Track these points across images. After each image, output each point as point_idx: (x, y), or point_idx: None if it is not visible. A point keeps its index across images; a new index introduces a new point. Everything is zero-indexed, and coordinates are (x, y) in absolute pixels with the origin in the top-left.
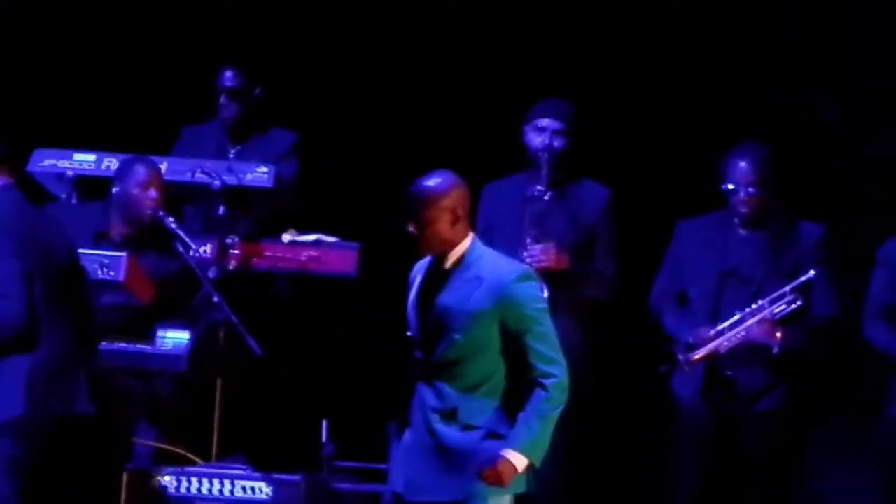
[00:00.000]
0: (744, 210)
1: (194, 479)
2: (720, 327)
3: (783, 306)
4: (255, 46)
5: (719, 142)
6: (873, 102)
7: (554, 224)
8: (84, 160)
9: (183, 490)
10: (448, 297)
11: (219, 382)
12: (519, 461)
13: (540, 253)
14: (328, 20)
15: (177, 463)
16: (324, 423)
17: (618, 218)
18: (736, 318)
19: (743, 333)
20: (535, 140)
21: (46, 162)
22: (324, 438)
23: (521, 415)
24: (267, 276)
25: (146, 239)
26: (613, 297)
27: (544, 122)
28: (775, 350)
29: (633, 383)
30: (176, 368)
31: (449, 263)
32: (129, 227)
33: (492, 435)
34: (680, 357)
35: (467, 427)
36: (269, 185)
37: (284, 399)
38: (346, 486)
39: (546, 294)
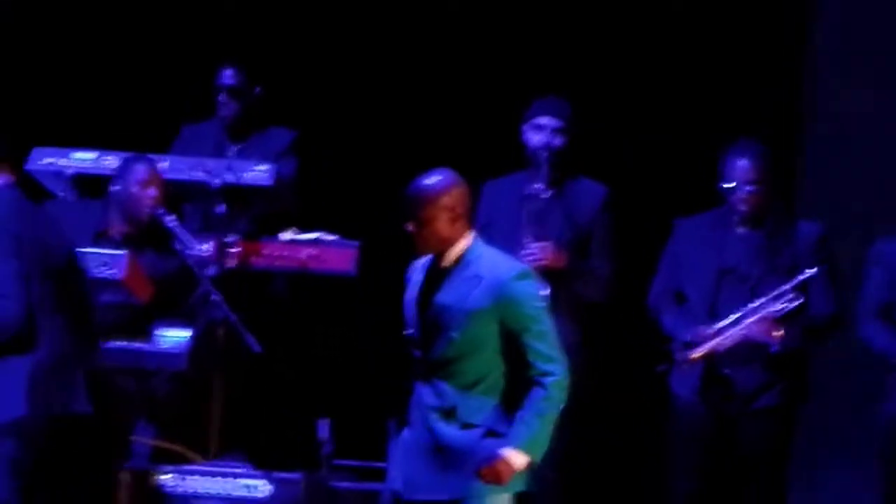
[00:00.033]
0: (742, 208)
1: (193, 478)
2: (719, 326)
3: (782, 305)
4: (255, 45)
5: (718, 140)
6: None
7: (552, 222)
8: (83, 158)
9: (182, 489)
10: (447, 296)
11: (218, 381)
12: (518, 459)
13: (538, 251)
14: (327, 19)
15: (176, 461)
16: (323, 421)
17: (615, 216)
18: (735, 316)
19: (742, 332)
20: (534, 138)
21: (45, 160)
22: (323, 437)
23: (520, 413)
24: (266, 274)
25: (145, 237)
26: (609, 297)
27: (543, 120)
28: (774, 348)
29: (631, 382)
30: (175, 367)
31: (448, 262)
32: (128, 226)
33: (491, 433)
34: (678, 355)
35: (466, 425)
36: (269, 183)
37: (284, 397)
38: (345, 484)
39: (545, 292)
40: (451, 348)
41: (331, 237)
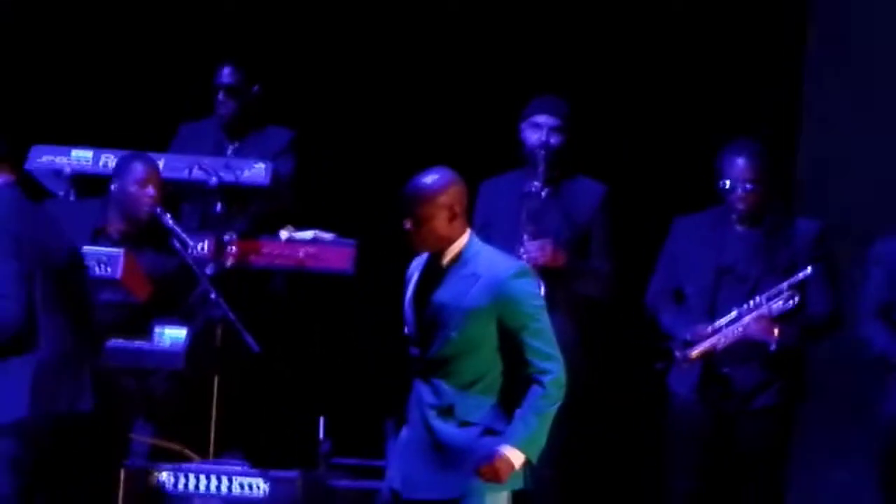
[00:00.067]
0: (741, 207)
1: (191, 476)
2: (717, 324)
3: (780, 303)
4: (253, 43)
5: (716, 138)
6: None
7: (550, 221)
8: (82, 157)
9: (180, 487)
10: (445, 294)
11: (216, 379)
12: (516, 457)
13: (536, 250)
14: (326, 17)
15: (174, 460)
16: (321, 419)
17: (614, 215)
18: (733, 315)
19: (740, 330)
20: (532, 137)
21: (44, 158)
22: (321, 435)
23: (517, 411)
24: (264, 272)
25: (144, 236)
26: (609, 295)
27: (541, 118)
28: (772, 347)
29: (629, 380)
30: (173, 365)
31: (446, 260)
32: (126, 225)
33: (489, 431)
34: (677, 354)
35: (464, 423)
36: (266, 182)
37: (282, 396)
38: (343, 482)
39: (543, 291)
40: (449, 347)
41: (328, 235)
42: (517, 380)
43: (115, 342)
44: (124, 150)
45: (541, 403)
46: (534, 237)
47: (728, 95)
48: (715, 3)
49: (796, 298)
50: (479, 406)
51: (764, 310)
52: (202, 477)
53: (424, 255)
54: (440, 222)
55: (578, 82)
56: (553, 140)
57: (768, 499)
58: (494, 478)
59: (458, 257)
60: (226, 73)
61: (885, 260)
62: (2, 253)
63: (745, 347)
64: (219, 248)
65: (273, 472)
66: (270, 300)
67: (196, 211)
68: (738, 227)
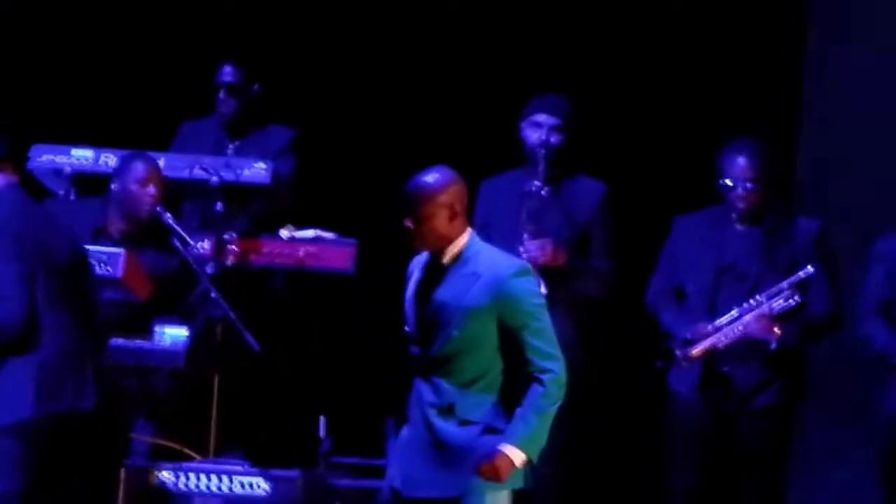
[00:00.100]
0: (741, 206)
1: (192, 475)
2: (718, 323)
3: (781, 302)
4: (254, 42)
5: (716, 137)
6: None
7: (550, 220)
8: (82, 156)
9: (181, 486)
10: (445, 293)
11: (216, 378)
12: (516, 456)
13: (536, 249)
14: (326, 16)
15: (174, 459)
16: (321, 418)
17: (614, 214)
18: (734, 313)
19: (741, 329)
20: (532, 136)
21: (44, 157)
22: (321, 434)
23: (518, 410)
24: (264, 272)
25: (144, 235)
26: (609, 294)
27: (541, 118)
28: (773, 346)
29: (630, 379)
30: (174, 364)
31: (446, 259)
32: (127, 224)
33: (489, 430)
34: (678, 353)
35: (465, 422)
36: (267, 181)
37: (282, 395)
38: (343, 481)
39: (543, 290)
40: (450, 345)
41: (328, 235)
42: (517, 378)
43: (116, 341)
44: (125, 150)
45: (541, 402)
46: (534, 236)
47: (728, 95)
48: (715, 3)
49: (797, 297)
50: (479, 405)
51: (764, 309)
52: (203, 476)
53: (425, 255)
54: (440, 221)
55: (579, 81)
56: (553, 139)
57: (768, 498)
58: (495, 476)
59: (459, 256)
60: (226, 72)
61: (887, 258)
62: (3, 254)
63: (745, 346)
64: (219, 248)
65: (273, 472)
66: (271, 299)
67: (197, 210)
68: (739, 226)
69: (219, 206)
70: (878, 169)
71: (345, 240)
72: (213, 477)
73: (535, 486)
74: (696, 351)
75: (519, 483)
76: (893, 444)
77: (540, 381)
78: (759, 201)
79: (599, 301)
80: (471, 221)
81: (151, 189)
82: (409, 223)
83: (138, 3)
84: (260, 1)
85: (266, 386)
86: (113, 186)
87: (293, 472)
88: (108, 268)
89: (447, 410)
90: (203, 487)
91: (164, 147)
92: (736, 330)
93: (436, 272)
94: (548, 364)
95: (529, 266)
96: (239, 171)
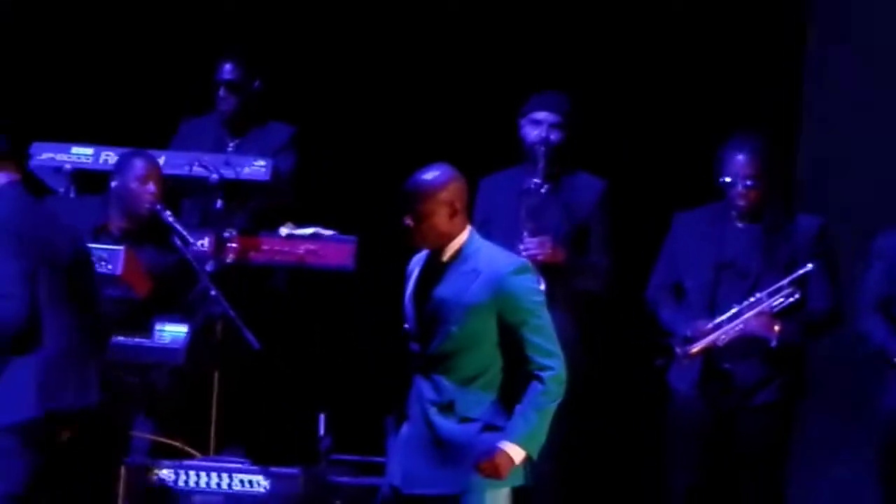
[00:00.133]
0: (741, 203)
1: (192, 473)
2: (718, 320)
3: (781, 299)
4: (254, 39)
5: (716, 134)
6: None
7: (550, 217)
8: (82, 154)
9: (181, 483)
10: (445, 290)
11: (216, 376)
12: (516, 453)
13: (536, 246)
14: (327, 14)
15: (174, 456)
16: (321, 416)
17: (613, 210)
18: (734, 310)
19: (741, 326)
20: (532, 133)
21: (44, 155)
22: (321, 431)
23: (518, 407)
24: (264, 269)
25: (144, 233)
26: (608, 290)
27: (540, 115)
28: (773, 343)
29: (629, 376)
30: (173, 362)
31: (446, 256)
32: (127, 221)
33: (489, 427)
34: (677, 350)
35: (465, 419)
36: (267, 178)
37: (282, 392)
38: (343, 479)
39: (543, 287)
40: (450, 342)
41: (328, 232)
42: (517, 376)
43: (116, 339)
44: (125, 147)
45: (541, 400)
46: (533, 234)
47: (728, 95)
48: (715, 3)
49: (797, 294)
50: (479, 402)
51: (764, 306)
52: (203, 473)
53: (425, 252)
54: (440, 219)
55: (579, 79)
56: (553, 136)
57: (768, 495)
58: (494, 474)
59: (459, 254)
60: (227, 69)
61: (887, 254)
62: (4, 252)
63: (745, 343)
64: (219, 245)
65: (274, 469)
66: (271, 297)
67: (196, 207)
68: (739, 223)
69: (219, 203)
70: (878, 168)
71: (345, 237)
72: (214, 474)
73: (535, 484)
74: (696, 348)
75: (519, 480)
76: (892, 440)
77: (540, 379)
78: (759, 198)
79: (598, 297)
80: (471, 219)
81: (151, 187)
82: (409, 221)
83: (138, 2)
84: None
85: (266, 383)
86: (113, 184)
87: (293, 470)
88: (108, 265)
89: (447, 407)
90: (203, 485)
91: (164, 144)
92: (736, 327)
93: (436, 269)
94: (547, 361)
95: (529, 263)
96: (239, 169)
